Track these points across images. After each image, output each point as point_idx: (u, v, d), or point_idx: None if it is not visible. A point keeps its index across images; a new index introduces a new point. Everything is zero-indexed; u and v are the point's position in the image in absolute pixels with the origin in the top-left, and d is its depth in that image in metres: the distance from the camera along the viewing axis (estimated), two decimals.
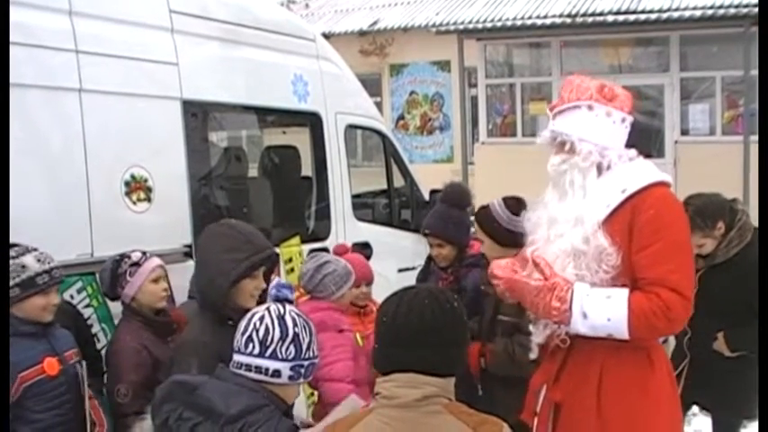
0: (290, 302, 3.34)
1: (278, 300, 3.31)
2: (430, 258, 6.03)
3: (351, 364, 5.09)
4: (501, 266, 3.90)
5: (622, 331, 3.51)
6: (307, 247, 6.73)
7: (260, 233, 4.13)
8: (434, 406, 2.69)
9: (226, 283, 3.87)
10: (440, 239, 5.58)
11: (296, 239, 6.79)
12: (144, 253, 4.81)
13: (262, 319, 3.20)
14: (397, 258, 8.13)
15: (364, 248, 7.43)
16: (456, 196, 5.85)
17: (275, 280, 4.54)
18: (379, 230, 8.17)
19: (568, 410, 3.79)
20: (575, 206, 3.70)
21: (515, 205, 4.99)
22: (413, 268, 7.73)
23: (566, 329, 3.71)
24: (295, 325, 3.20)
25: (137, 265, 4.74)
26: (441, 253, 5.59)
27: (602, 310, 3.53)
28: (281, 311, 3.23)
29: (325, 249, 6.67)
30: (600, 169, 3.74)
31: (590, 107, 3.77)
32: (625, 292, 3.53)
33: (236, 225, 4.14)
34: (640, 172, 3.71)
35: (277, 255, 4.14)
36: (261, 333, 3.16)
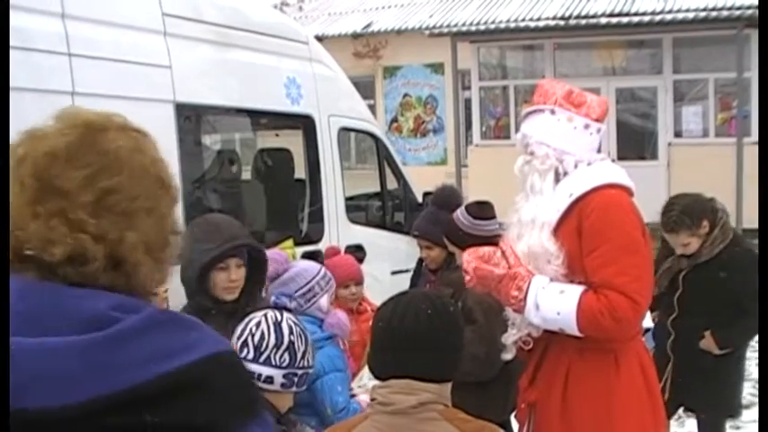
0: (289, 311, 3.34)
1: (276, 307, 3.31)
2: (421, 261, 6.03)
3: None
4: (469, 254, 3.95)
5: (572, 327, 3.56)
6: (300, 250, 6.72)
7: (235, 224, 4.15)
8: (430, 413, 2.66)
9: (194, 274, 3.92)
10: (428, 241, 5.57)
11: (289, 242, 6.77)
12: None
13: (258, 324, 3.20)
14: (390, 261, 8.12)
15: (357, 251, 7.44)
16: (445, 199, 5.85)
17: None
18: (372, 233, 8.17)
19: (540, 411, 3.85)
20: (532, 209, 3.77)
21: (477, 210, 5.00)
22: (406, 271, 7.73)
23: (529, 331, 3.80)
24: (291, 333, 3.21)
25: None
26: (429, 255, 5.59)
27: (554, 303, 3.59)
28: (278, 318, 3.23)
29: (318, 252, 6.67)
30: (557, 174, 3.79)
31: (552, 111, 3.83)
32: (579, 289, 3.57)
33: (212, 217, 4.19)
34: (589, 175, 3.73)
35: (251, 246, 4.15)
36: (256, 338, 3.16)
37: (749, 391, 5.94)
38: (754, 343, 5.66)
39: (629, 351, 3.74)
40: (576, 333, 3.57)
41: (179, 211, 5.72)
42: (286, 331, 3.20)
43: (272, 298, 3.42)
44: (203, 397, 1.44)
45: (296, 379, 3.21)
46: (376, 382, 2.81)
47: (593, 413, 3.65)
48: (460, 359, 2.86)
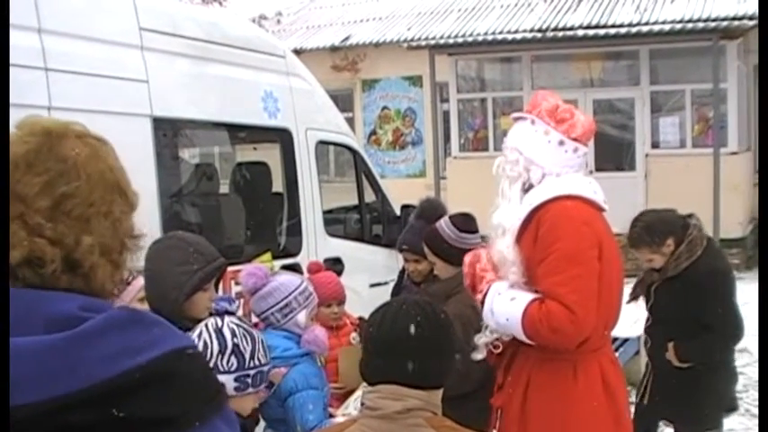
0: (231, 314, 3.35)
1: (217, 313, 3.32)
2: (403, 273, 6.01)
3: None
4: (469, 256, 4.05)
5: (520, 333, 3.64)
6: (278, 263, 6.71)
7: (208, 243, 4.16)
8: (416, 419, 2.67)
9: (181, 297, 3.87)
10: (417, 255, 5.53)
11: (267, 255, 6.77)
12: (130, 271, 4.79)
13: (200, 335, 3.22)
14: (368, 273, 8.13)
15: (336, 264, 7.43)
16: (431, 212, 5.83)
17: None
18: (350, 246, 8.17)
19: (504, 417, 3.92)
20: (500, 215, 3.86)
21: (463, 222, 4.99)
22: (385, 283, 7.74)
23: (497, 336, 3.86)
24: (234, 336, 3.22)
25: (125, 283, 4.72)
26: (417, 268, 5.55)
27: (504, 310, 3.67)
28: (219, 324, 3.24)
29: (296, 265, 6.67)
30: (524, 184, 3.85)
31: (533, 122, 3.90)
32: (528, 296, 3.63)
33: (185, 237, 4.17)
34: (551, 186, 3.79)
35: (227, 264, 4.20)
36: (200, 349, 3.17)
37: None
38: (738, 353, 5.70)
39: (590, 362, 3.78)
40: (525, 340, 3.64)
41: (156, 225, 5.70)
42: (228, 335, 3.21)
43: (212, 304, 3.43)
44: (168, 391, 1.48)
45: (249, 380, 3.21)
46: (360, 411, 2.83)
47: (549, 421, 3.71)
48: (451, 367, 2.86)
